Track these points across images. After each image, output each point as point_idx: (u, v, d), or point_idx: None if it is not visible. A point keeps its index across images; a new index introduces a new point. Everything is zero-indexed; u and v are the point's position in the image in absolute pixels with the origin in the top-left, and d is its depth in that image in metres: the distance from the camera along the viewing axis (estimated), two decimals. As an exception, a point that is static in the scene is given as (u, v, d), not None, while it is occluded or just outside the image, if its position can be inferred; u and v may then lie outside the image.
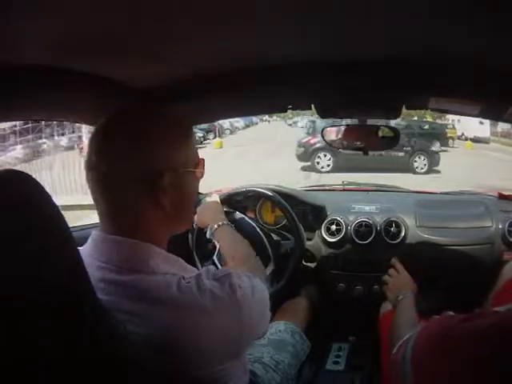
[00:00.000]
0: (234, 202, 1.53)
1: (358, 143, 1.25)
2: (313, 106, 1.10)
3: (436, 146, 13.23)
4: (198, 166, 0.68)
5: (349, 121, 1.30)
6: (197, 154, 0.69)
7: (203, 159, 0.70)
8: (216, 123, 20.06)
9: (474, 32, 0.68)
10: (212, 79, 0.97)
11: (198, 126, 18.92)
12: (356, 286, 1.58)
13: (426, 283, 1.25)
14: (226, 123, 21.92)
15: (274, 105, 1.24)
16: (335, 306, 1.63)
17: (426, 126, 14.73)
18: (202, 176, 0.70)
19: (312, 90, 1.04)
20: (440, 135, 14.68)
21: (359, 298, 1.58)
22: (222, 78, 0.96)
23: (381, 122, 1.30)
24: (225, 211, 1.44)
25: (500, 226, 1.50)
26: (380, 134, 1.24)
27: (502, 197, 1.69)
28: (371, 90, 0.99)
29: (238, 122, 23.78)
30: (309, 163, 10.00)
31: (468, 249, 1.50)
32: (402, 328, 0.92)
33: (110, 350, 0.49)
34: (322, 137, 1.36)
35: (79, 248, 0.62)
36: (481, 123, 16.54)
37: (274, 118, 30.52)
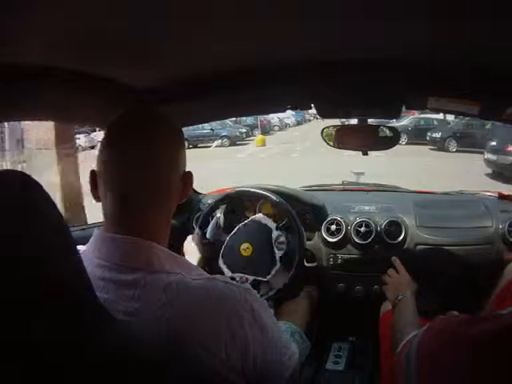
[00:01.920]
0: (235, 202, 1.53)
1: (358, 143, 1.25)
2: (313, 105, 1.10)
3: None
4: None
5: (349, 121, 1.31)
6: None
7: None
8: (263, 119, 19.14)
9: (474, 32, 0.68)
10: (212, 79, 0.97)
11: (243, 122, 18.24)
12: (356, 286, 1.58)
13: (426, 283, 1.25)
14: (274, 119, 21.02)
15: (274, 105, 1.24)
16: (335, 306, 1.63)
17: (488, 125, 12.15)
18: None
19: (312, 90, 1.04)
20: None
21: (359, 298, 1.58)
22: (221, 78, 0.96)
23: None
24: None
25: (500, 226, 1.50)
26: (380, 133, 1.24)
27: (502, 197, 1.69)
28: (371, 89, 0.99)
29: (289, 118, 23.08)
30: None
31: (468, 249, 1.50)
32: (403, 328, 0.92)
33: (111, 350, 0.49)
34: (322, 137, 1.36)
35: (81, 247, 0.63)
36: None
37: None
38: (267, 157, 12.00)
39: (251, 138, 17.01)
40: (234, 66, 0.91)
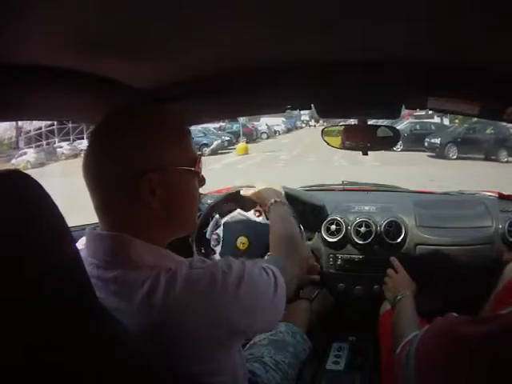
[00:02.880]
0: (235, 201, 1.53)
1: (358, 143, 1.25)
2: (312, 106, 1.10)
3: (503, 156, 11.04)
4: (194, 165, 0.67)
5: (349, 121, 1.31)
6: (191, 151, 0.67)
7: (199, 157, 0.69)
8: (249, 126, 18.38)
9: (474, 32, 0.68)
10: (212, 79, 0.97)
11: (228, 129, 17.42)
12: (356, 286, 1.58)
13: (426, 283, 1.25)
14: (262, 126, 20.18)
15: (274, 105, 1.24)
16: (335, 306, 1.63)
17: (490, 130, 11.65)
18: (199, 175, 0.69)
19: (312, 90, 1.04)
20: (508, 141, 11.31)
21: (359, 298, 1.58)
22: (221, 78, 0.96)
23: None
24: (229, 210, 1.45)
25: (500, 226, 1.50)
26: (380, 133, 1.24)
27: (502, 197, 1.69)
28: (371, 90, 0.99)
29: (279, 125, 22.18)
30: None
31: (468, 249, 1.50)
32: (403, 328, 0.92)
33: (111, 348, 0.49)
34: (322, 137, 1.36)
35: (79, 246, 0.63)
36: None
37: (321, 122, 27.82)
38: (246, 167, 11.25)
39: (235, 146, 15.81)
40: (233, 66, 0.91)
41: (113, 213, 0.63)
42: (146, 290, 0.57)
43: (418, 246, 1.54)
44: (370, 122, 1.22)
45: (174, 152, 0.64)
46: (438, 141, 12.20)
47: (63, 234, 0.48)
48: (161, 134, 0.63)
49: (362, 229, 1.55)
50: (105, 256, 0.61)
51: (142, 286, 0.58)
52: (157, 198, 0.61)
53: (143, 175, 0.60)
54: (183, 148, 0.66)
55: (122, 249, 0.60)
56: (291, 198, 1.51)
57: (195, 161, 0.67)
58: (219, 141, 14.86)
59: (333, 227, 1.58)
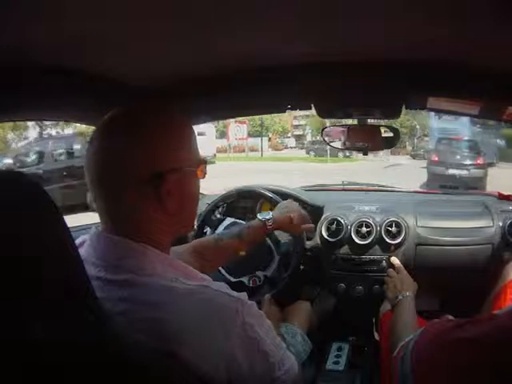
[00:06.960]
0: (235, 202, 1.53)
1: (359, 143, 1.25)
2: (312, 106, 1.10)
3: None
4: (200, 166, 0.67)
5: (349, 121, 1.31)
6: (199, 153, 0.67)
7: (205, 159, 0.69)
8: None
9: (474, 32, 0.68)
10: (212, 79, 0.97)
11: None
12: (356, 286, 1.58)
13: (426, 283, 1.25)
14: None
15: (274, 105, 1.24)
16: (335, 306, 1.63)
17: None
18: (203, 176, 0.69)
19: (312, 90, 1.05)
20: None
21: (359, 298, 1.58)
22: (221, 78, 0.97)
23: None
24: (217, 218, 1.45)
25: (500, 226, 1.50)
26: (380, 133, 1.24)
27: (502, 197, 1.69)
28: (371, 90, 0.99)
29: None
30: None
31: (468, 249, 1.50)
32: (402, 329, 0.91)
33: (111, 351, 0.49)
34: (323, 137, 1.37)
35: (79, 244, 0.63)
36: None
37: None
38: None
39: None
40: (233, 65, 0.91)
41: (120, 214, 0.61)
42: (157, 299, 0.56)
43: (418, 246, 1.54)
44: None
45: (187, 153, 0.64)
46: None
47: (62, 234, 0.48)
48: (176, 134, 0.63)
49: (362, 229, 1.55)
50: (114, 261, 0.59)
51: (152, 294, 0.56)
52: (171, 199, 0.61)
53: (161, 176, 0.59)
54: (193, 149, 0.66)
55: (135, 257, 0.59)
56: (291, 198, 1.51)
57: (201, 162, 0.67)
58: None
59: (333, 227, 1.58)
